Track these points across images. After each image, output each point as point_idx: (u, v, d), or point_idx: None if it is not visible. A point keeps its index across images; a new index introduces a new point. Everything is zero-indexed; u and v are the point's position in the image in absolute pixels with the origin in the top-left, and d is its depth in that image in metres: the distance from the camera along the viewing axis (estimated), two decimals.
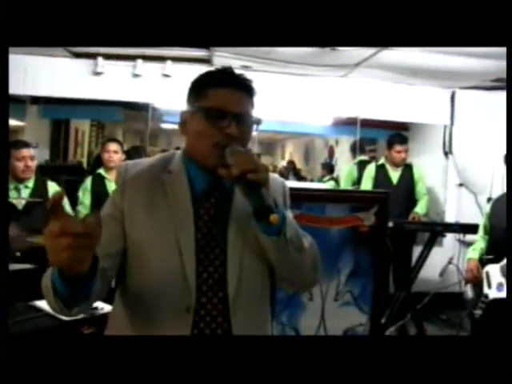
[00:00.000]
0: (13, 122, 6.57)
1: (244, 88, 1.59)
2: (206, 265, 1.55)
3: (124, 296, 1.62)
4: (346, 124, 7.08)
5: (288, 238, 1.48)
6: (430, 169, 6.52)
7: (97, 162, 5.89)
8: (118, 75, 5.97)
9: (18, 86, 5.48)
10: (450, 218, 6.67)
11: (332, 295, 3.16)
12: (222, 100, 1.53)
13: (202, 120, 1.54)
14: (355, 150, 7.23)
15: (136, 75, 5.95)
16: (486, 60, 4.95)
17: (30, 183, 4.22)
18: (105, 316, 2.65)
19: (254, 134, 1.63)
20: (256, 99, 1.63)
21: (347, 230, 3.16)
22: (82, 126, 8.47)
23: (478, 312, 3.78)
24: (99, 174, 5.08)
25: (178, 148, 1.79)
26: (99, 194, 4.85)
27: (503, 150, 3.95)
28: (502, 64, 4.92)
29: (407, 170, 6.03)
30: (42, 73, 5.76)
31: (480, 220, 4.33)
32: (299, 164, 9.97)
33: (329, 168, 8.39)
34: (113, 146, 5.07)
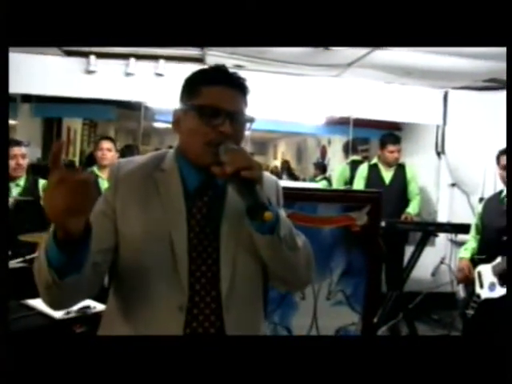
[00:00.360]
0: None
1: (238, 86, 1.58)
2: (198, 263, 1.55)
3: (117, 294, 1.61)
4: (339, 124, 7.08)
5: (281, 237, 1.48)
6: (422, 169, 6.53)
7: (89, 160, 5.86)
8: (111, 74, 5.96)
9: (10, 84, 5.44)
10: (442, 217, 6.69)
11: (324, 294, 3.16)
12: (215, 98, 1.53)
13: (195, 118, 1.53)
14: (348, 149, 7.24)
15: (129, 74, 5.94)
16: (478, 60, 4.97)
17: (21, 181, 4.23)
18: (97, 315, 2.65)
19: (247, 133, 1.63)
20: (249, 98, 1.63)
21: (339, 230, 3.16)
22: (75, 125, 8.43)
23: (470, 312, 3.79)
24: (92, 172, 5.07)
25: (170, 147, 1.79)
26: None
27: (495, 150, 3.97)
28: (494, 64, 4.96)
29: (400, 169, 6.04)
30: (34, 71, 5.73)
31: (472, 220, 4.34)
32: (291, 163, 9.96)
33: (321, 167, 8.39)
34: (106, 144, 5.06)
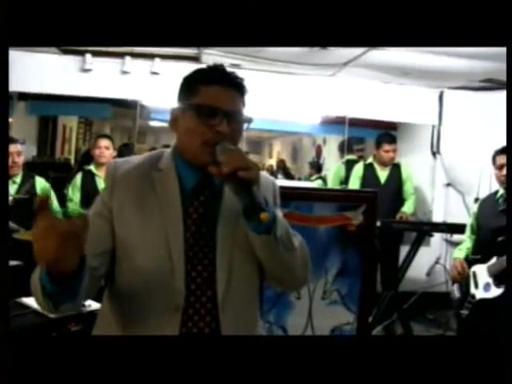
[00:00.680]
0: None
1: (236, 86, 1.58)
2: (194, 263, 1.54)
3: (112, 294, 1.61)
4: (335, 123, 7.09)
5: (278, 237, 1.48)
6: (417, 168, 6.55)
7: (84, 158, 5.85)
8: (107, 72, 5.95)
9: None
10: (437, 217, 6.70)
11: (319, 294, 3.16)
12: (213, 97, 1.53)
13: (192, 117, 1.53)
14: (343, 149, 7.24)
15: (124, 72, 5.94)
16: (473, 60, 4.98)
17: (18, 179, 4.24)
18: (92, 313, 2.64)
19: (243, 132, 1.63)
20: (247, 97, 1.63)
21: (335, 229, 3.16)
22: (70, 123, 8.40)
23: (465, 312, 3.78)
24: (89, 171, 5.07)
25: (165, 146, 1.79)
26: (89, 191, 4.83)
27: (491, 151, 3.97)
28: (490, 65, 4.97)
29: (395, 169, 6.05)
30: (30, 69, 5.72)
31: (467, 220, 4.35)
32: (287, 162, 9.95)
33: (316, 167, 8.38)
34: (104, 142, 5.06)
